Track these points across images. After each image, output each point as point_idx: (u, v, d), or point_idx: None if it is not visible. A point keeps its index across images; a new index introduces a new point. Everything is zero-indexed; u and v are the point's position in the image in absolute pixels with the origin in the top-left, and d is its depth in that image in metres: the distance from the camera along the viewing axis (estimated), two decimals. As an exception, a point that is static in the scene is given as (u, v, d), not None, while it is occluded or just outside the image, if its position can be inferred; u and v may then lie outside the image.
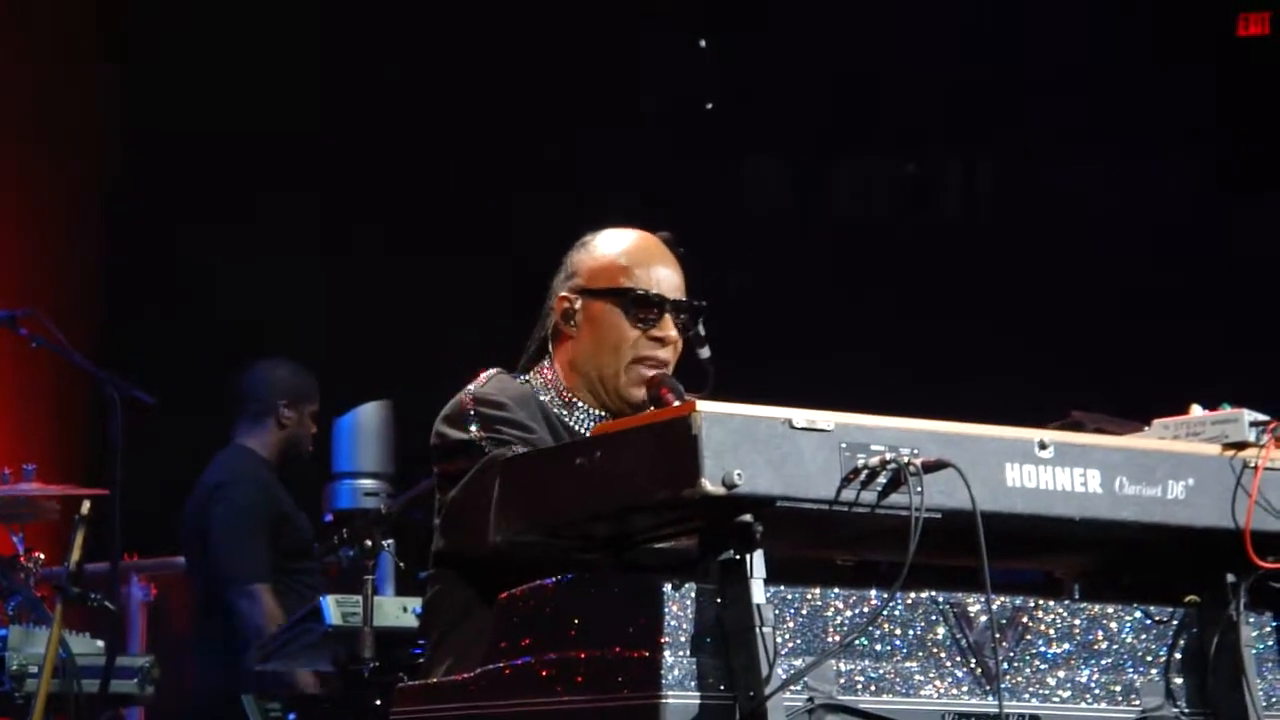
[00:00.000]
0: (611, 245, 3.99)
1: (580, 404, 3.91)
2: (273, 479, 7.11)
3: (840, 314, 8.75)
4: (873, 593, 3.18)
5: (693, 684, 3.02)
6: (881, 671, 3.15)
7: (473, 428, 3.77)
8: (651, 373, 3.90)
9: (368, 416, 7.35)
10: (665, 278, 3.95)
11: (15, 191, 9.52)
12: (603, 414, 3.90)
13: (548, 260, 4.10)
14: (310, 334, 8.98)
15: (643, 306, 3.92)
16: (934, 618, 3.22)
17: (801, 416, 3.10)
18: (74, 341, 6.78)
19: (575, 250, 4.02)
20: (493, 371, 3.93)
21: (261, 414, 7.14)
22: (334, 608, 5.83)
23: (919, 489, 3.10)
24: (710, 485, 3.01)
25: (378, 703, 5.45)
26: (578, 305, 3.94)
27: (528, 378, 3.95)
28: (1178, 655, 3.37)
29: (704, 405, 3.04)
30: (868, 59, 9.08)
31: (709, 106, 9.45)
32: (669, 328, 3.93)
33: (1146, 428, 3.56)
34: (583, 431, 3.88)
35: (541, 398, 3.90)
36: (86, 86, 9.63)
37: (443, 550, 3.81)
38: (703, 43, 9.46)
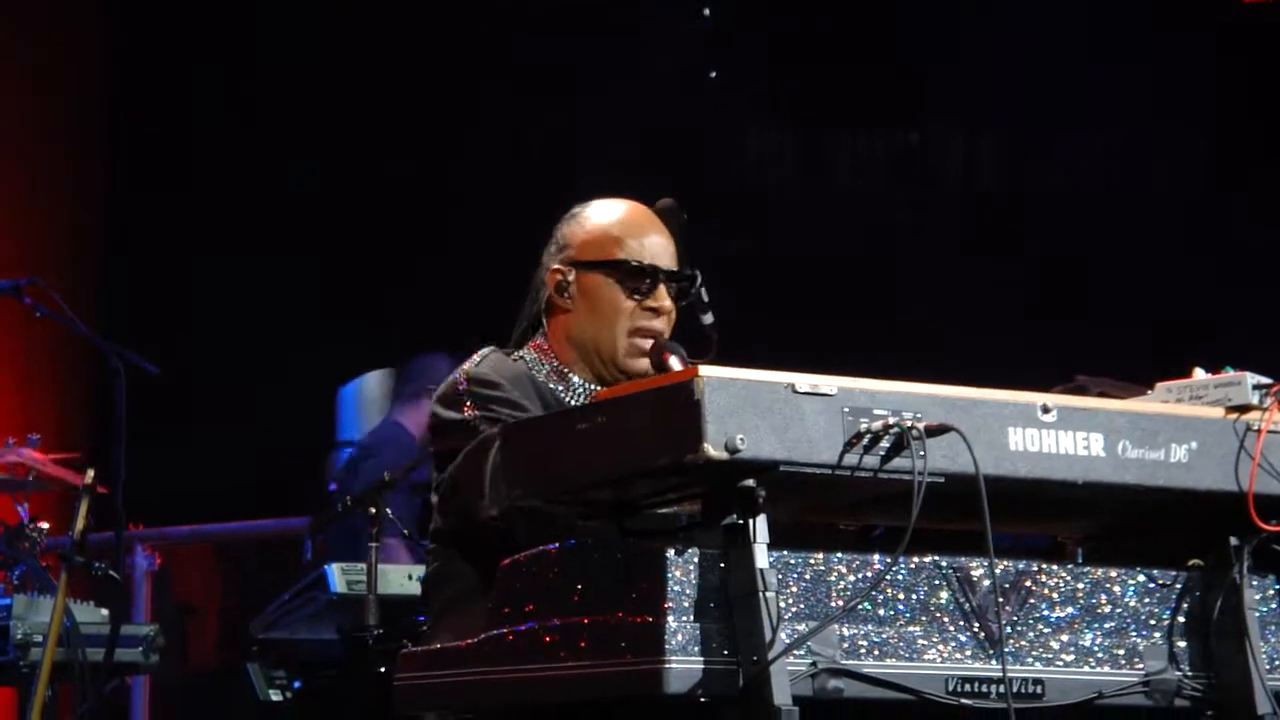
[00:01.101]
0: (603, 216, 3.97)
1: (574, 377, 3.91)
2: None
3: (845, 280, 8.74)
4: (876, 557, 3.18)
5: (696, 649, 3.02)
6: (885, 636, 3.15)
7: (466, 407, 3.77)
8: (649, 343, 3.89)
9: (370, 385, 7.37)
10: (658, 247, 3.94)
11: (18, 162, 9.52)
12: (597, 386, 3.89)
13: (547, 233, 4.08)
14: (318, 303, 9.00)
15: (636, 277, 3.91)
16: (937, 582, 3.22)
17: (804, 381, 3.10)
18: (77, 311, 6.78)
19: (565, 222, 3.99)
20: (487, 350, 3.92)
21: (417, 395, 7.15)
22: (338, 575, 5.84)
23: (922, 453, 3.09)
24: (713, 450, 3.00)
25: (382, 670, 5.45)
26: (571, 277, 3.93)
27: (521, 354, 3.93)
28: (1181, 619, 3.36)
29: (707, 370, 3.04)
30: (872, 28, 9.07)
31: (712, 75, 9.44)
32: (663, 298, 3.91)
33: (1149, 391, 3.56)
34: (576, 405, 3.86)
35: (535, 373, 3.89)
36: (86, 54, 9.62)
37: (441, 527, 3.81)
38: (706, 11, 9.45)
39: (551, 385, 3.89)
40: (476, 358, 3.89)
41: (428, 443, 3.88)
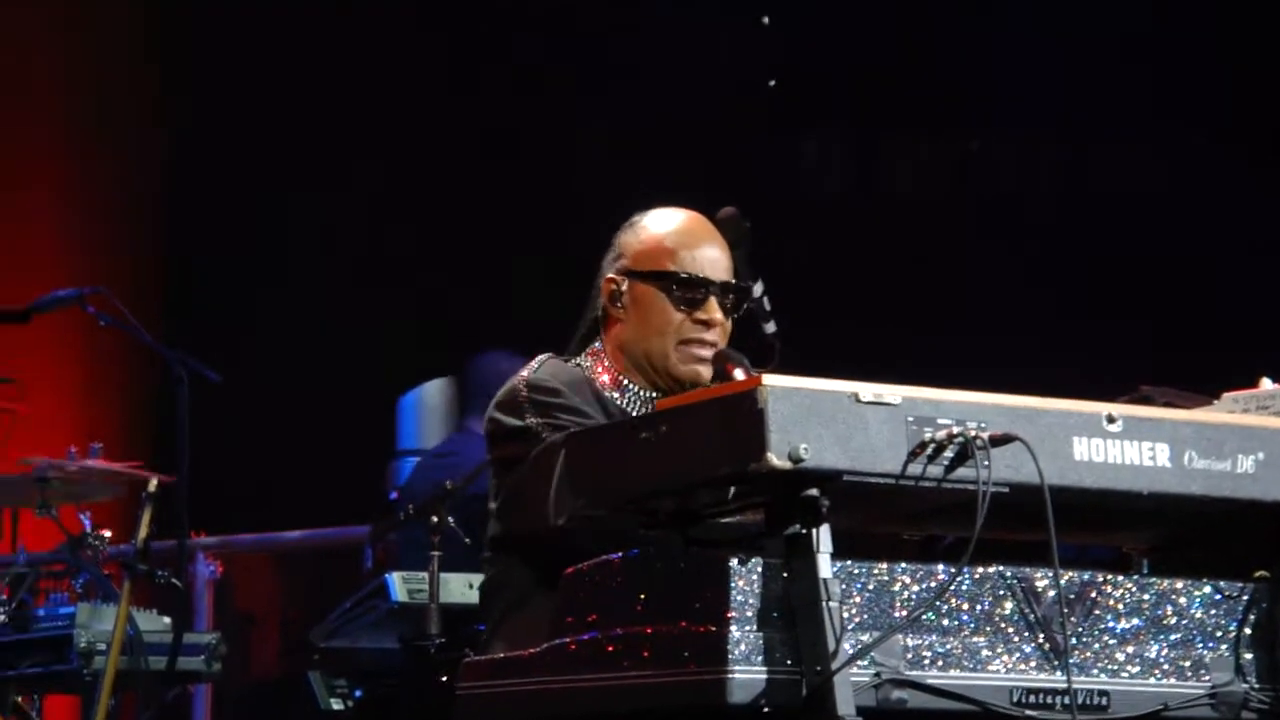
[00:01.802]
0: (658, 226, 3.96)
1: (631, 385, 3.90)
2: None
3: (901, 289, 8.71)
4: (940, 567, 3.17)
5: (759, 659, 3.01)
6: (949, 647, 3.14)
7: (528, 414, 3.76)
8: (704, 354, 3.88)
9: (431, 394, 7.37)
10: (712, 259, 3.92)
11: (81, 171, 9.58)
12: (654, 395, 3.89)
13: (597, 240, 4.09)
14: (376, 311, 9.02)
15: (687, 289, 3.90)
16: (1001, 593, 3.20)
17: (868, 390, 3.09)
18: (141, 319, 6.81)
19: (623, 231, 4.00)
20: (545, 356, 3.92)
21: (486, 401, 7.10)
22: (399, 584, 5.84)
23: (986, 463, 3.08)
24: (776, 459, 3.00)
25: (444, 679, 5.45)
26: (624, 287, 3.93)
27: (579, 360, 3.94)
28: (1248, 630, 3.34)
29: (770, 379, 3.03)
30: (927, 34, 9.04)
31: (771, 84, 9.42)
32: (714, 310, 3.90)
33: (1215, 401, 3.54)
34: (633, 414, 3.86)
35: (594, 381, 3.89)
36: (147, 64, 9.68)
37: (501, 534, 3.80)
38: (766, 19, 9.44)
39: (609, 393, 3.88)
40: (535, 364, 3.88)
41: (487, 449, 3.88)
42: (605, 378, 3.91)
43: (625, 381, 3.90)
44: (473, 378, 7.13)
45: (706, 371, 3.88)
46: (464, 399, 7.17)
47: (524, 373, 3.85)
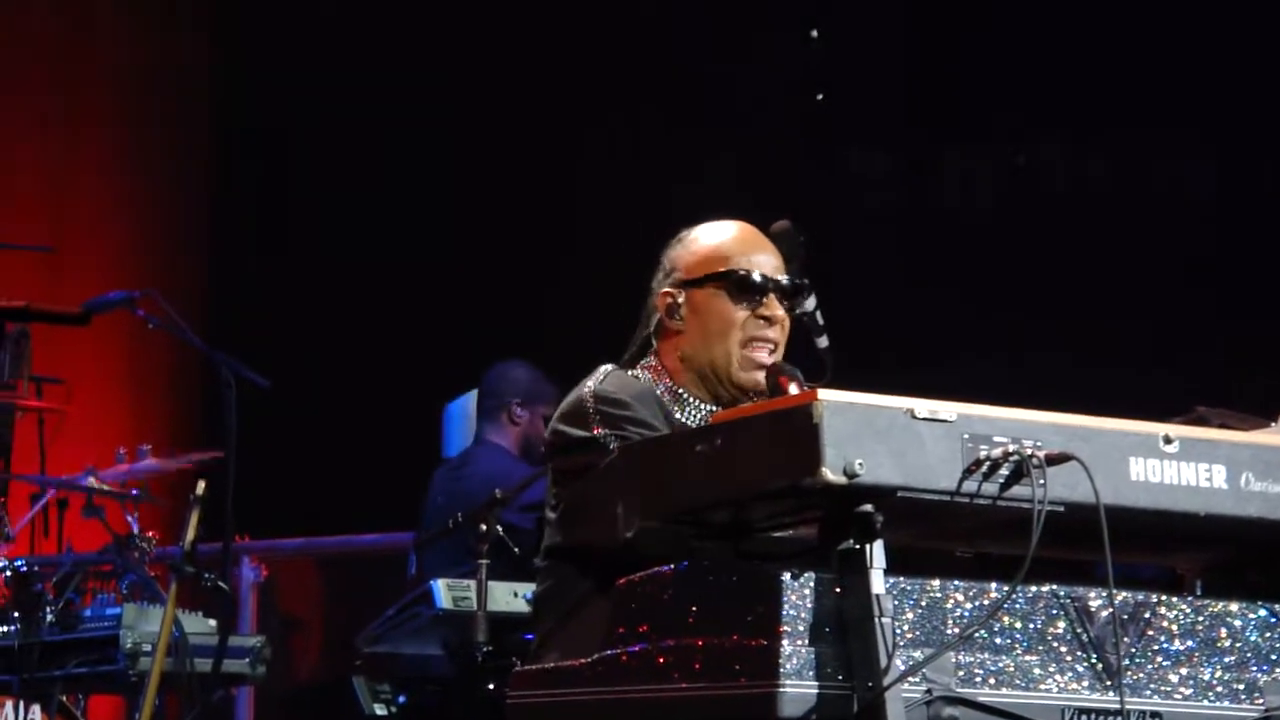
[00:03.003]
0: (710, 237, 3.99)
1: (690, 398, 3.90)
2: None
3: (954, 307, 8.69)
4: (993, 585, 3.16)
5: (811, 674, 3.00)
6: (1001, 665, 3.13)
7: (595, 426, 3.76)
8: (765, 358, 3.89)
9: (476, 402, 7.36)
10: (766, 261, 3.95)
11: (129, 175, 9.62)
12: (713, 408, 3.89)
13: (656, 249, 4.09)
14: (425, 316, 9.02)
15: (746, 287, 3.92)
16: (1055, 612, 3.19)
17: (924, 407, 3.08)
18: (189, 323, 6.83)
19: (672, 247, 4.02)
20: (609, 367, 3.92)
21: (495, 410, 7.11)
22: (445, 591, 5.85)
23: (1042, 481, 3.07)
24: (831, 474, 2.99)
25: (490, 687, 5.46)
26: (681, 298, 3.94)
27: (637, 374, 3.94)
28: (1302, 654, 3.32)
29: (826, 394, 3.03)
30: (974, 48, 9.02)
31: (820, 98, 9.41)
32: (775, 306, 3.92)
33: (1273, 424, 3.53)
34: (692, 426, 3.86)
35: (655, 393, 3.90)
36: (193, 68, 9.71)
37: (560, 544, 3.80)
38: (815, 33, 9.43)
39: (669, 406, 3.89)
40: (599, 374, 3.88)
41: (540, 452, 3.88)
42: (664, 392, 3.91)
43: (684, 394, 3.91)
44: (488, 386, 7.14)
45: (758, 378, 3.88)
46: (480, 409, 7.17)
47: (589, 384, 3.84)
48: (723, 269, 3.93)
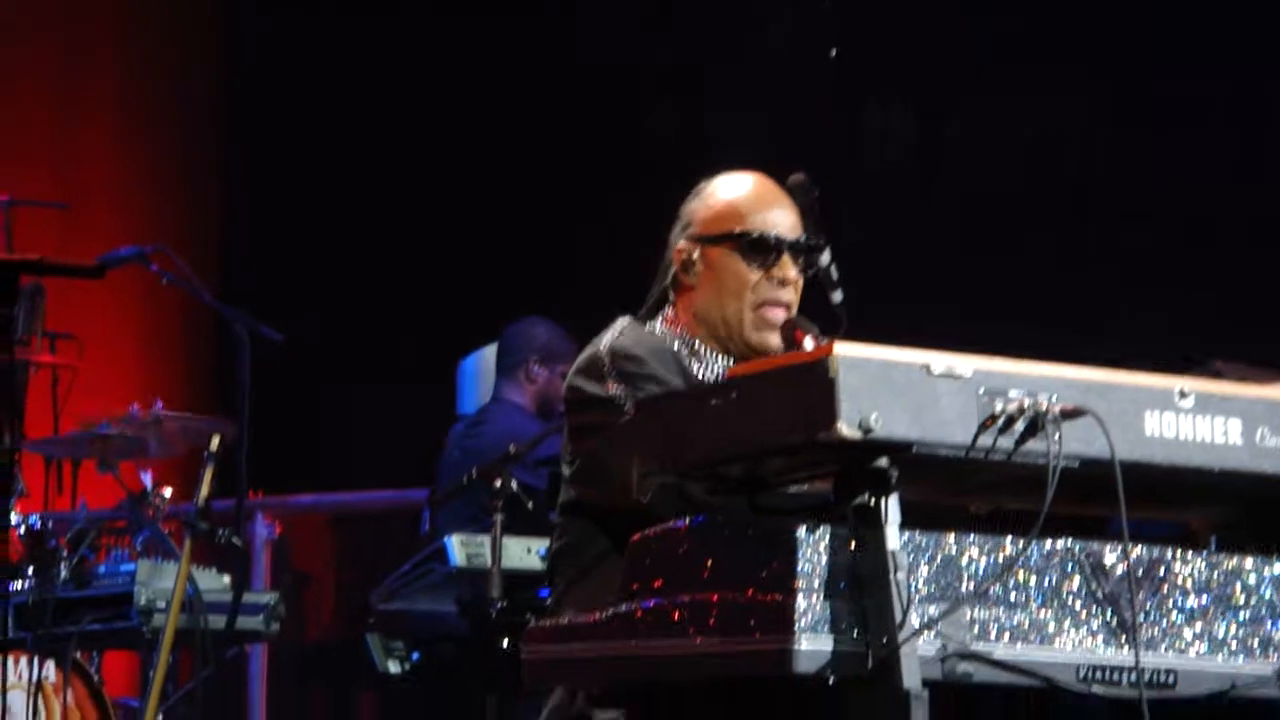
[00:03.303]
0: (726, 191, 3.97)
1: (706, 352, 3.91)
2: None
3: (970, 264, 8.67)
4: (1008, 540, 3.15)
5: (825, 628, 3.00)
6: (1016, 620, 3.12)
7: (611, 382, 3.76)
8: (779, 319, 3.89)
9: (491, 359, 7.36)
10: (781, 220, 3.93)
11: (142, 131, 9.61)
12: (729, 362, 3.89)
13: (674, 213, 4.08)
14: (444, 273, 9.01)
15: (760, 249, 3.90)
16: (1069, 567, 3.18)
17: (940, 361, 3.07)
18: (203, 278, 6.84)
19: (690, 200, 4.01)
20: (624, 322, 3.92)
21: (514, 367, 7.09)
22: (459, 548, 5.85)
23: (1057, 436, 3.06)
24: (846, 429, 2.98)
25: (504, 643, 5.46)
26: (695, 254, 3.93)
27: (654, 327, 3.94)
28: (1317, 610, 3.31)
29: (841, 348, 3.01)
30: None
31: (833, 54, 9.38)
32: (789, 268, 3.91)
33: (1290, 378, 3.51)
34: (709, 380, 3.87)
35: (672, 347, 3.89)
36: (207, 27, 9.70)
37: (576, 500, 3.80)
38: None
39: (687, 361, 3.88)
40: (616, 329, 3.88)
41: (556, 410, 3.89)
42: (681, 345, 3.91)
43: (700, 348, 3.91)
44: (506, 343, 7.12)
45: (776, 340, 3.88)
46: (498, 365, 7.16)
47: (606, 339, 3.84)
48: (737, 229, 3.92)
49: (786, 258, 3.91)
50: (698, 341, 3.92)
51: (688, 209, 3.99)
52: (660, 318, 3.95)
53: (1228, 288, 7.97)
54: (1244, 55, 8.34)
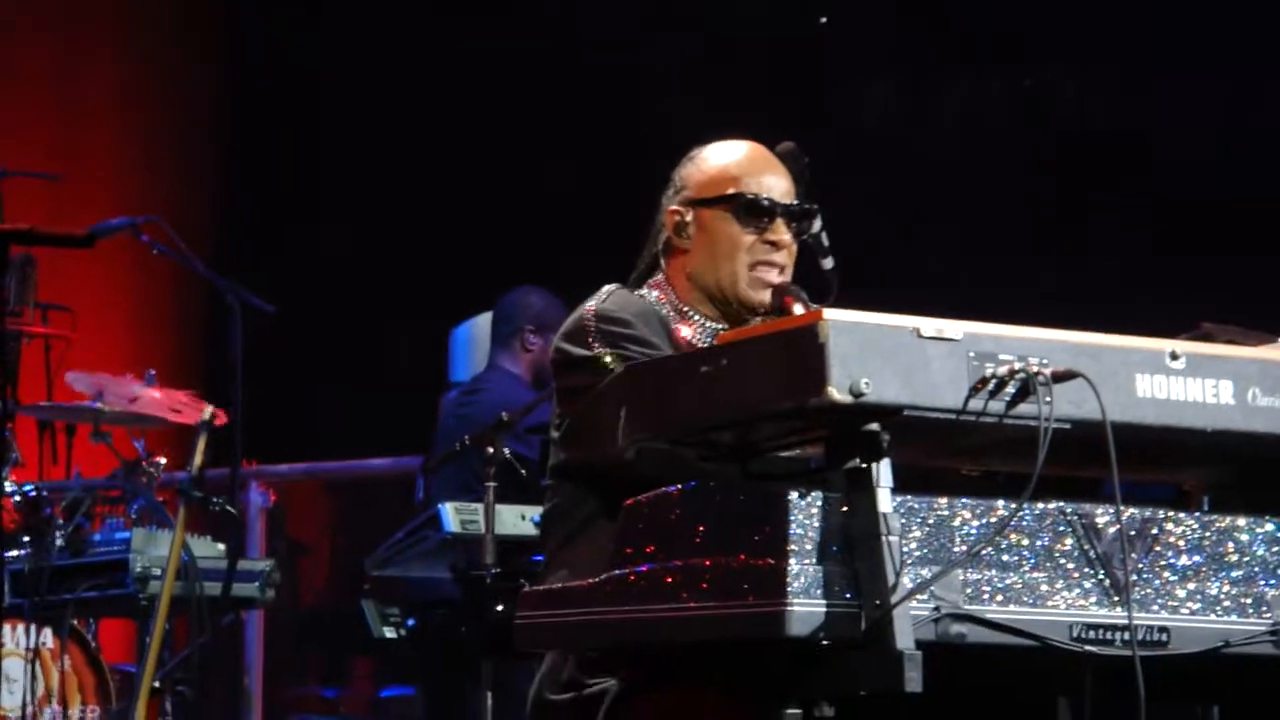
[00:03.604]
0: (720, 156, 3.99)
1: (697, 316, 3.92)
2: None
3: (957, 227, 8.67)
4: (1000, 503, 3.16)
5: (818, 592, 3.01)
6: (1009, 582, 3.13)
7: (595, 344, 3.77)
8: (774, 278, 3.90)
9: (482, 327, 7.36)
10: (775, 184, 3.96)
11: (135, 102, 9.59)
12: (721, 326, 3.90)
13: (665, 178, 4.09)
14: (432, 241, 9.01)
15: (754, 211, 3.92)
16: (1062, 529, 3.19)
17: (930, 325, 3.07)
18: (194, 248, 6.83)
19: (682, 165, 4.02)
20: (612, 286, 3.93)
21: (509, 336, 7.09)
22: (452, 515, 5.86)
23: (1048, 399, 3.07)
24: (837, 394, 2.98)
25: (499, 609, 5.48)
26: (689, 217, 3.95)
27: (643, 292, 3.95)
28: (1309, 568, 3.33)
29: (831, 313, 3.02)
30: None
31: (823, 20, 9.37)
32: (782, 231, 3.93)
33: (1279, 339, 3.52)
34: (700, 343, 3.88)
35: (659, 311, 3.91)
36: (209, 7, 9.68)
37: (564, 463, 3.82)
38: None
39: (676, 324, 3.90)
40: (602, 294, 3.90)
41: (551, 378, 3.89)
42: (670, 309, 3.92)
43: (691, 312, 3.92)
44: (501, 312, 7.12)
45: (767, 296, 3.89)
46: (493, 334, 7.15)
47: (591, 303, 3.86)
48: (731, 190, 3.93)
49: (780, 221, 3.93)
50: (687, 306, 3.93)
51: (680, 174, 4.01)
52: (649, 284, 3.96)
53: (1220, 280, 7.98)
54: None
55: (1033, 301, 4.04)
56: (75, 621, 6.44)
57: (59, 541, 6.39)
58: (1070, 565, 3.18)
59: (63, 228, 6.84)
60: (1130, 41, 8.74)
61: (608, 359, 3.73)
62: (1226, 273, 7.87)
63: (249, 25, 9.53)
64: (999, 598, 3.12)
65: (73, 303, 7.99)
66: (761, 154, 4.00)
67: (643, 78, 9.16)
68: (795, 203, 3.95)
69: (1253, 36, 8.41)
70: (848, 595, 3.02)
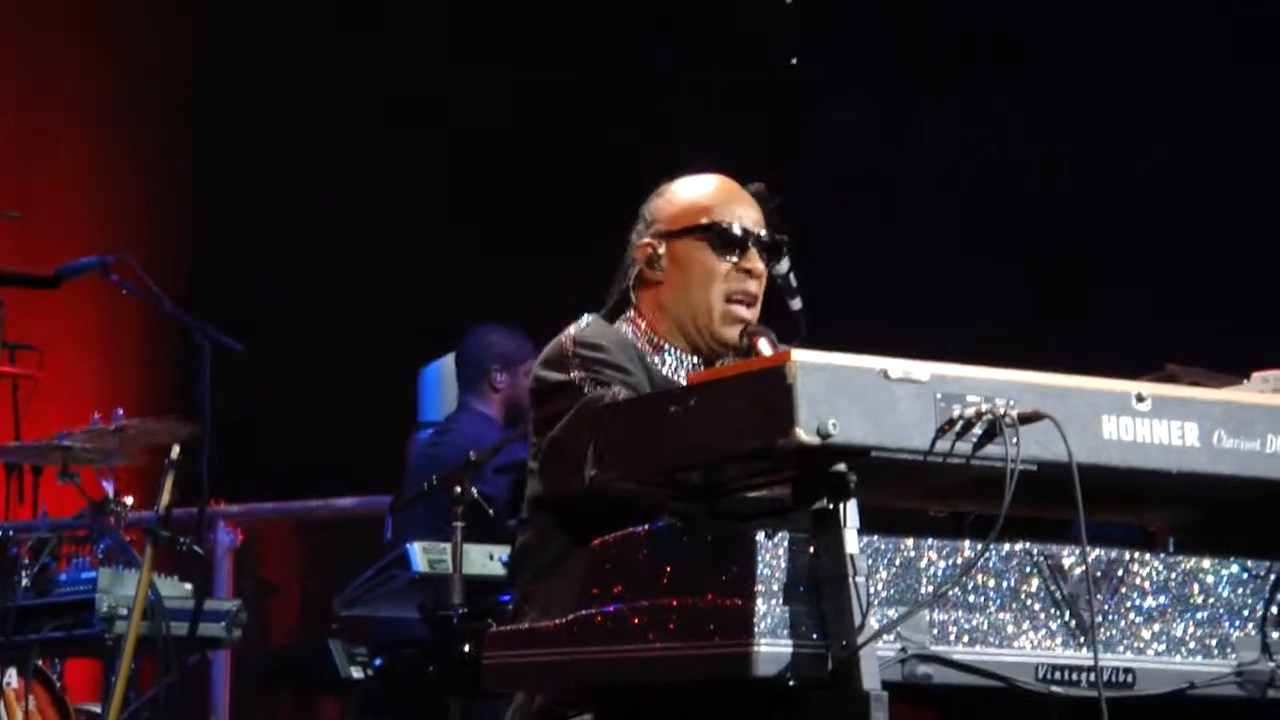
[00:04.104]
0: (690, 189, 4.02)
1: (671, 348, 3.93)
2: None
3: (930, 267, 8.69)
4: (966, 544, 3.16)
5: (785, 632, 3.01)
6: (975, 622, 3.13)
7: (573, 370, 3.78)
8: (745, 314, 3.91)
9: (451, 366, 7.37)
10: (746, 214, 3.99)
11: (105, 140, 9.59)
12: (695, 359, 3.91)
13: (632, 211, 4.10)
14: (404, 282, 9.01)
15: (728, 241, 3.95)
16: (1028, 569, 3.20)
17: (897, 366, 3.08)
18: (163, 288, 6.82)
19: (652, 200, 4.04)
20: (590, 316, 3.95)
21: (476, 378, 7.09)
22: (420, 554, 5.86)
23: (1015, 440, 3.07)
24: (805, 434, 2.99)
25: (466, 649, 5.47)
26: (661, 250, 3.97)
27: (617, 325, 3.96)
28: (1274, 609, 3.33)
29: (799, 354, 3.02)
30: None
31: (793, 62, 9.40)
32: (755, 260, 3.96)
33: (1245, 381, 3.53)
34: (674, 376, 3.89)
35: (635, 343, 3.91)
36: (175, 38, 9.68)
37: (539, 494, 3.82)
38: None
39: (651, 357, 3.91)
40: (582, 322, 3.91)
41: (524, 413, 3.90)
42: (645, 343, 3.93)
43: (665, 345, 3.93)
44: (465, 357, 7.13)
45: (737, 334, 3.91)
46: (460, 379, 7.16)
47: (570, 330, 3.87)
48: (705, 220, 3.96)
49: (753, 250, 3.95)
50: (661, 339, 3.94)
51: (650, 208, 4.02)
52: (623, 319, 3.97)
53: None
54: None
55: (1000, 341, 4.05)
56: (40, 661, 6.41)
57: (25, 581, 6.37)
58: (1036, 606, 3.18)
59: (30, 266, 6.85)
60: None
61: (584, 385, 3.74)
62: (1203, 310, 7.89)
63: (218, 58, 9.53)
64: (965, 638, 3.12)
65: (40, 341, 7.96)
66: (731, 186, 4.03)
67: (607, 116, 9.18)
68: (766, 234, 3.97)
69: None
70: (815, 636, 3.02)
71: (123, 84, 9.62)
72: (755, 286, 3.95)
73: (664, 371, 3.90)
